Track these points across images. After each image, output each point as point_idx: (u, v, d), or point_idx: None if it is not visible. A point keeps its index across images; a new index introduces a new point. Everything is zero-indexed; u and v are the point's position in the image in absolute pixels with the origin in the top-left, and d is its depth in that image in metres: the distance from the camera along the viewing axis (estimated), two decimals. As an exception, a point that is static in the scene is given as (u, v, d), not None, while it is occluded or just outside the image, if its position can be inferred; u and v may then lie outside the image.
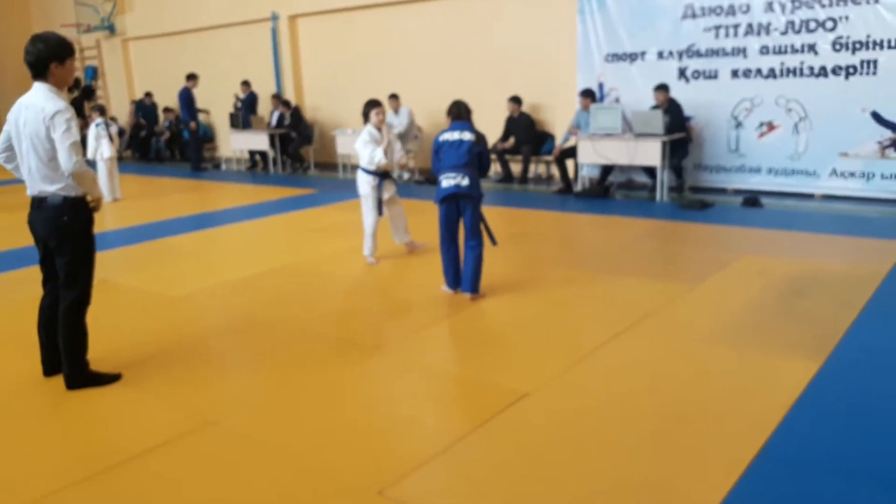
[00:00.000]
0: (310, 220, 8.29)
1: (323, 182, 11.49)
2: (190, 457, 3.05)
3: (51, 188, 3.59)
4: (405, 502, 2.64)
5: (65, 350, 3.75)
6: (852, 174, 8.15)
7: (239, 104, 13.73)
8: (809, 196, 8.38)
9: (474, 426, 3.19)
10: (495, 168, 10.65)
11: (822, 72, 8.15)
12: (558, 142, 9.80)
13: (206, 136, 14.77)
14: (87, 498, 2.78)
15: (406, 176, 11.36)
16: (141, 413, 3.50)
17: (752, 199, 8.18)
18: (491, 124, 10.38)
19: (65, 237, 3.64)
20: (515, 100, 10.20)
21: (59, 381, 3.81)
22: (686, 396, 3.44)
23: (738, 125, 8.81)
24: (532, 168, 10.58)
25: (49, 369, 3.90)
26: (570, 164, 9.57)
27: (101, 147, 9.95)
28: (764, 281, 5.16)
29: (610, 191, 9.18)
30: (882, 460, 2.80)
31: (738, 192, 8.77)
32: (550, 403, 3.43)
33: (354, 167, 12.44)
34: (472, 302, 5.02)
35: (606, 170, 9.25)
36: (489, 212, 7.05)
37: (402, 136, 11.25)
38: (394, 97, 11.26)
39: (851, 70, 7.97)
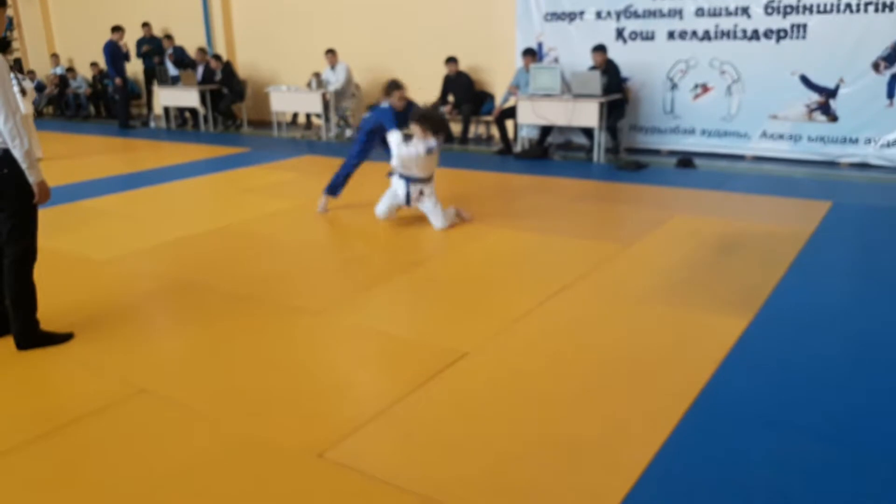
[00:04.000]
0: (243, 180, 8.06)
1: (256, 140, 11.19)
2: (124, 424, 2.95)
3: None
4: (345, 464, 2.62)
5: (14, 308, 3.60)
6: (781, 136, 8.38)
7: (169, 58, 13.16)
8: (740, 157, 8.60)
9: (414, 387, 3.18)
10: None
11: (755, 35, 8.29)
12: (498, 102, 9.76)
13: (133, 93, 14.15)
14: (24, 463, 2.67)
15: (349, 133, 11.18)
16: (70, 381, 3.37)
17: (685, 161, 8.34)
18: (430, 82, 10.27)
19: (6, 191, 3.47)
20: (452, 60, 10.07)
21: (4, 342, 3.69)
22: (620, 354, 3.51)
23: (674, 87, 8.93)
24: (472, 128, 10.52)
25: None
26: (509, 124, 9.55)
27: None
28: (696, 240, 5.29)
29: (549, 152, 9.22)
30: (810, 412, 2.92)
31: (672, 153, 8.93)
32: (489, 362, 3.44)
33: (289, 124, 12.19)
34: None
35: (545, 131, 9.27)
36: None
37: (340, 93, 11.04)
38: (330, 52, 10.99)
39: (782, 34, 8.14)
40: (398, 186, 5.74)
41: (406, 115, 5.80)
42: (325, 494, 2.47)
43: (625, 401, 3.05)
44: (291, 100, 11.51)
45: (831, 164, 8.08)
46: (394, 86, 5.88)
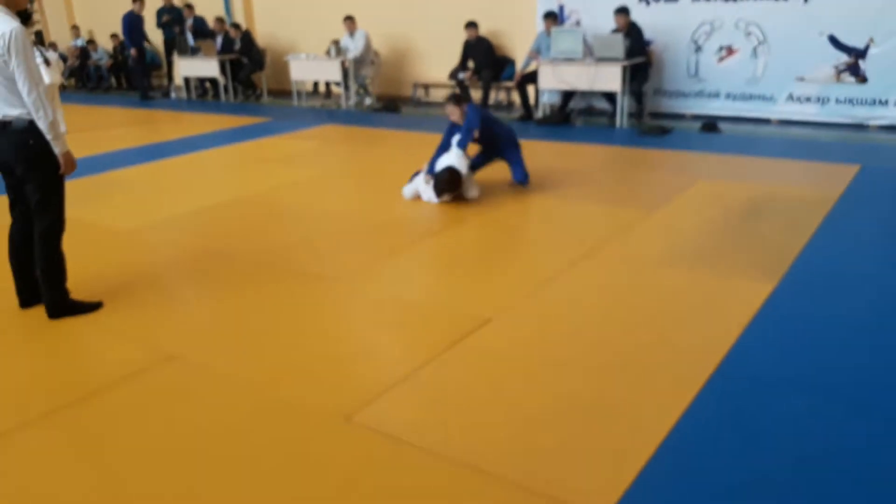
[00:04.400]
0: (264, 150, 8.08)
1: (277, 110, 11.18)
2: (153, 390, 3.01)
3: (14, 112, 3.43)
4: (373, 427, 2.66)
5: (44, 278, 3.67)
6: (808, 99, 8.21)
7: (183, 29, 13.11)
8: (766, 121, 8.45)
9: (439, 351, 3.21)
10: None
11: (782, -6, 8.09)
12: (519, 67, 9.64)
13: (153, 64, 14.16)
14: (54, 430, 2.74)
15: (368, 101, 11.12)
16: (100, 349, 3.43)
17: (710, 125, 8.21)
18: (449, 48, 10.17)
19: (33, 162, 3.50)
20: (472, 25, 9.94)
21: (35, 312, 3.76)
22: (644, 319, 3.50)
23: (698, 49, 8.76)
24: (492, 94, 10.42)
25: (25, 300, 3.83)
26: (531, 90, 9.44)
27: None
28: (720, 205, 5.23)
29: (571, 117, 9.12)
30: (836, 375, 2.90)
31: (696, 117, 8.79)
32: (513, 328, 3.45)
33: (309, 94, 12.16)
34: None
35: (567, 96, 9.16)
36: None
37: (359, 61, 10.97)
38: (349, 19, 10.89)
39: (810, -7, 7.93)
40: (431, 195, 5.64)
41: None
42: (354, 457, 2.50)
43: (650, 364, 3.05)
44: (311, 68, 11.45)
45: (860, 127, 7.91)
46: (447, 100, 5.82)
